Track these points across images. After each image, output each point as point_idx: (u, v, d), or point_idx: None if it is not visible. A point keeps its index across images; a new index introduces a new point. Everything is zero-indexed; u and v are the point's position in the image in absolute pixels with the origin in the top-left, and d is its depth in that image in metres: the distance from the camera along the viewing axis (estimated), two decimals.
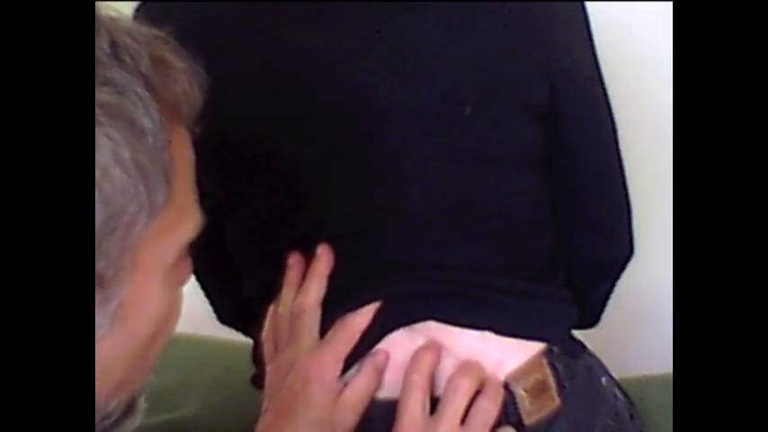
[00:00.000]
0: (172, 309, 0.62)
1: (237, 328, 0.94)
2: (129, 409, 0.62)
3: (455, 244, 0.78)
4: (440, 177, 0.78)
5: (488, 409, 0.74)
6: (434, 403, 0.75)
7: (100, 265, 0.54)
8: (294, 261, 0.80)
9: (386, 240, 0.78)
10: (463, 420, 0.73)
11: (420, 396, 0.74)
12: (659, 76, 1.03)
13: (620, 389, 0.86)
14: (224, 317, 0.95)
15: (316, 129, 0.79)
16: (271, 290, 0.81)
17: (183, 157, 0.59)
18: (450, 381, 0.75)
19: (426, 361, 0.75)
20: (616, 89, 0.85)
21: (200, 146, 0.62)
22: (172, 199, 0.57)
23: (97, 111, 0.52)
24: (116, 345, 0.57)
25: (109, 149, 0.52)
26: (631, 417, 0.85)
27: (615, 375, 0.86)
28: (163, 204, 0.56)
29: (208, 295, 0.93)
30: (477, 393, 0.75)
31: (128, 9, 0.78)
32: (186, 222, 0.60)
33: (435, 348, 0.76)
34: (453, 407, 0.73)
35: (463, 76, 0.77)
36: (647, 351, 1.08)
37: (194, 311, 0.79)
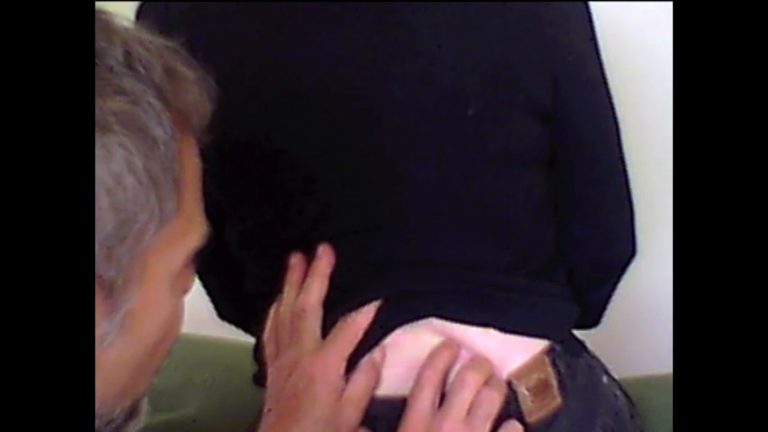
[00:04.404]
0: (176, 316, 0.62)
1: (237, 325, 0.94)
2: (133, 412, 0.62)
3: (457, 242, 0.78)
4: (442, 176, 0.78)
5: (492, 399, 0.74)
6: (442, 398, 0.75)
7: (110, 273, 0.54)
8: (295, 261, 0.80)
9: (387, 239, 0.78)
10: (468, 413, 0.74)
11: (431, 392, 0.74)
12: (659, 76, 1.03)
13: (621, 389, 0.86)
14: (224, 312, 0.95)
15: (317, 128, 0.79)
16: (271, 287, 0.81)
17: (192, 167, 0.60)
18: (458, 374, 0.75)
19: (443, 358, 0.75)
20: (616, 89, 0.85)
21: (201, 145, 0.62)
22: (181, 208, 0.57)
23: (111, 119, 0.52)
24: (122, 352, 0.58)
25: (122, 158, 0.52)
26: (631, 417, 0.85)
27: (615, 375, 0.86)
28: (172, 213, 0.56)
29: (208, 291, 0.93)
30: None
31: (128, 9, 0.78)
32: (193, 231, 0.60)
33: (454, 347, 0.76)
34: (460, 400, 0.74)
35: (466, 76, 0.77)
36: (648, 351, 1.08)
37: (194, 311, 0.79)
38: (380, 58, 0.78)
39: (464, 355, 0.76)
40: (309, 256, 0.79)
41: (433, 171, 0.78)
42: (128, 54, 0.55)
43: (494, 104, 0.78)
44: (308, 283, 0.79)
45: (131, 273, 0.55)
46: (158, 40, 0.58)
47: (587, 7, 0.83)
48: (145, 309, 0.58)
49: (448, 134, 0.78)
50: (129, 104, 0.54)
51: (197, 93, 0.60)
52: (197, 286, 0.90)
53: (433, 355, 0.75)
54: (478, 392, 0.74)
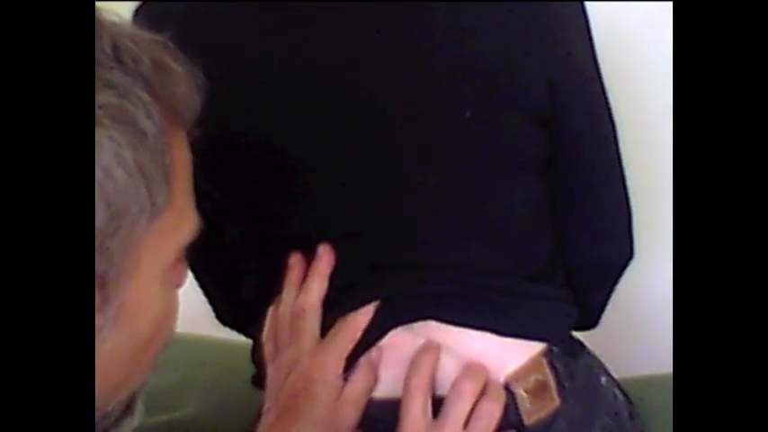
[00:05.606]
0: (170, 310, 0.62)
1: (237, 329, 0.94)
2: (128, 408, 0.62)
3: (455, 245, 0.78)
4: (440, 179, 0.78)
5: (491, 411, 0.74)
6: (435, 403, 0.75)
7: (102, 267, 0.54)
8: (295, 261, 0.80)
9: (386, 241, 0.78)
10: (466, 423, 0.74)
11: (421, 399, 0.74)
12: (659, 76, 1.03)
13: (620, 389, 0.86)
14: (223, 317, 0.95)
15: (316, 129, 0.79)
16: (270, 291, 0.81)
17: (183, 160, 0.60)
18: (454, 384, 0.75)
19: (426, 363, 0.75)
20: (616, 90, 0.85)
21: (199, 146, 0.62)
22: (172, 201, 0.57)
23: (99, 113, 0.52)
24: (116, 346, 0.58)
25: (111, 151, 0.52)
26: (631, 417, 0.85)
27: (615, 375, 0.86)
28: (163, 206, 0.56)
29: (207, 296, 0.93)
30: (480, 395, 0.75)
31: (127, 10, 0.78)
32: (185, 225, 0.60)
33: (434, 350, 0.76)
34: (457, 410, 0.73)
35: (463, 78, 0.77)
36: (647, 351, 1.08)
37: (194, 311, 0.79)
38: (379, 59, 0.78)
39: (460, 357, 0.76)
40: (309, 257, 0.79)
41: (431, 173, 0.78)
42: (116, 47, 0.55)
43: (491, 107, 0.78)
44: (308, 282, 0.79)
45: (123, 266, 0.55)
46: (146, 34, 0.58)
47: (583, 8, 0.83)
48: (138, 303, 0.58)
49: (446, 136, 0.78)
50: (118, 98, 0.54)
51: (186, 86, 0.60)
52: (196, 288, 0.91)
53: (415, 361, 0.75)
54: (479, 404, 0.74)
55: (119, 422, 0.62)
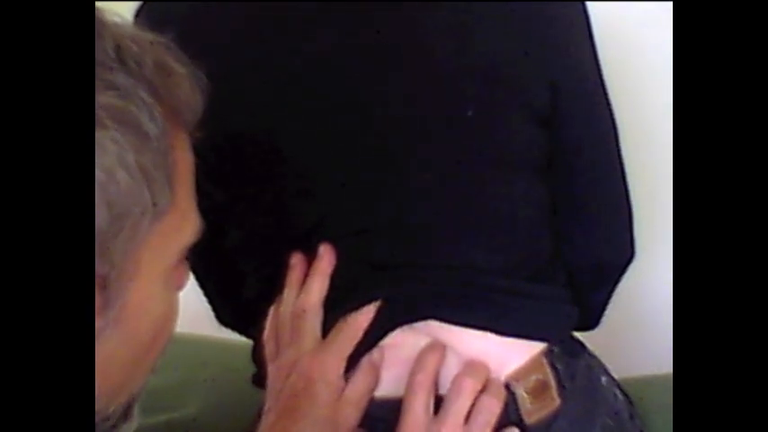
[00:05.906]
0: (171, 312, 0.62)
1: (237, 330, 0.94)
2: (127, 412, 0.62)
3: (456, 244, 0.78)
4: (441, 178, 0.78)
5: (491, 407, 0.74)
6: (438, 402, 0.75)
7: (104, 268, 0.54)
8: (296, 261, 0.80)
9: (387, 240, 0.78)
10: (466, 420, 0.74)
11: (424, 397, 0.74)
12: (659, 75, 1.03)
13: (620, 389, 0.86)
14: (224, 318, 0.95)
15: (317, 129, 0.79)
16: (271, 291, 0.81)
17: (185, 162, 0.60)
18: (454, 380, 0.75)
19: (431, 361, 0.75)
20: (616, 89, 0.85)
21: (200, 147, 0.62)
22: (174, 203, 0.57)
23: (102, 114, 0.52)
24: (117, 347, 0.58)
25: (114, 153, 0.52)
26: (631, 417, 0.85)
27: (615, 375, 0.86)
28: (166, 208, 0.56)
29: (208, 297, 0.93)
30: (480, 392, 0.75)
31: (128, 11, 0.78)
32: (187, 226, 0.60)
33: (440, 348, 0.76)
34: (457, 406, 0.74)
35: (466, 77, 0.77)
36: (647, 351, 1.08)
37: (194, 311, 0.79)
38: (380, 58, 0.78)
39: (462, 357, 0.76)
40: (310, 257, 0.79)
41: (432, 173, 0.78)
42: (118, 49, 0.55)
43: (492, 107, 0.78)
44: (309, 282, 0.79)
45: (125, 268, 0.55)
46: (148, 36, 0.58)
47: (584, 8, 0.83)
48: (139, 304, 0.58)
49: (447, 135, 0.78)
50: (121, 99, 0.54)
51: (188, 88, 0.60)
52: (196, 288, 0.91)
53: (420, 359, 0.75)
54: (479, 399, 0.74)
55: (118, 426, 0.62)
